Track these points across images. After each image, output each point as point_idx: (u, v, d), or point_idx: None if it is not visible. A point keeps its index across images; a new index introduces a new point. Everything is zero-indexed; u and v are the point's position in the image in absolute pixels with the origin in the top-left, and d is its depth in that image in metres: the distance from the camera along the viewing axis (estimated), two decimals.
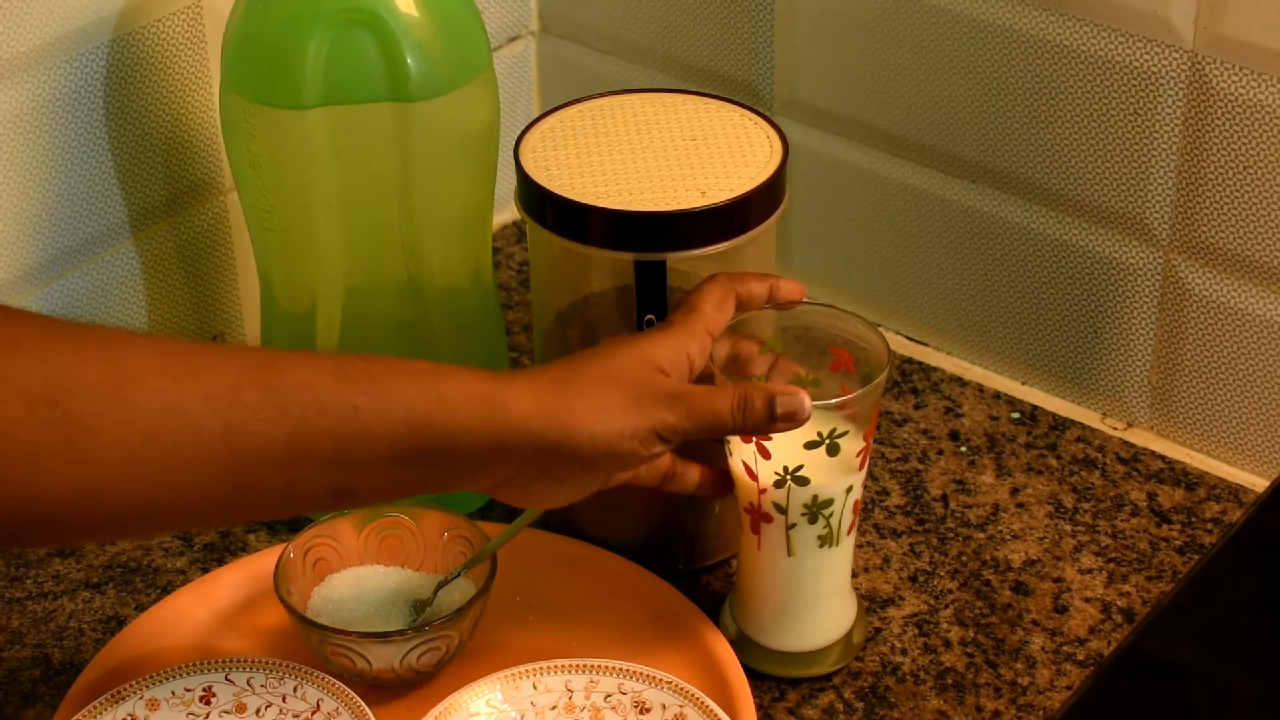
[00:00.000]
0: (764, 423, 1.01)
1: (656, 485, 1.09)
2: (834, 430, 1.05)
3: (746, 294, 1.08)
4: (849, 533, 1.09)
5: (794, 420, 1.01)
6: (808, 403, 1.01)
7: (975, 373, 1.36)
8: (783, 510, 1.07)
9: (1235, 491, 1.25)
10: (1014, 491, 1.25)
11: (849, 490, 1.07)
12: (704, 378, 1.06)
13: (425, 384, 0.96)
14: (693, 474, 1.10)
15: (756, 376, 1.09)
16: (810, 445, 1.05)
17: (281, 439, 0.92)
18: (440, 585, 1.12)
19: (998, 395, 1.33)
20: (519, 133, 1.17)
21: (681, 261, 1.11)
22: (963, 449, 1.29)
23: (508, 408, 0.97)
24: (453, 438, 0.96)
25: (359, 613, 1.11)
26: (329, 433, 0.93)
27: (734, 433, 1.03)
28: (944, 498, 1.25)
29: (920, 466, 1.27)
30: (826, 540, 1.08)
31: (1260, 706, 1.05)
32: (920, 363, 1.37)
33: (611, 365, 1.01)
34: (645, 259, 1.11)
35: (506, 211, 1.48)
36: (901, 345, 1.39)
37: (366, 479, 0.96)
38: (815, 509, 1.07)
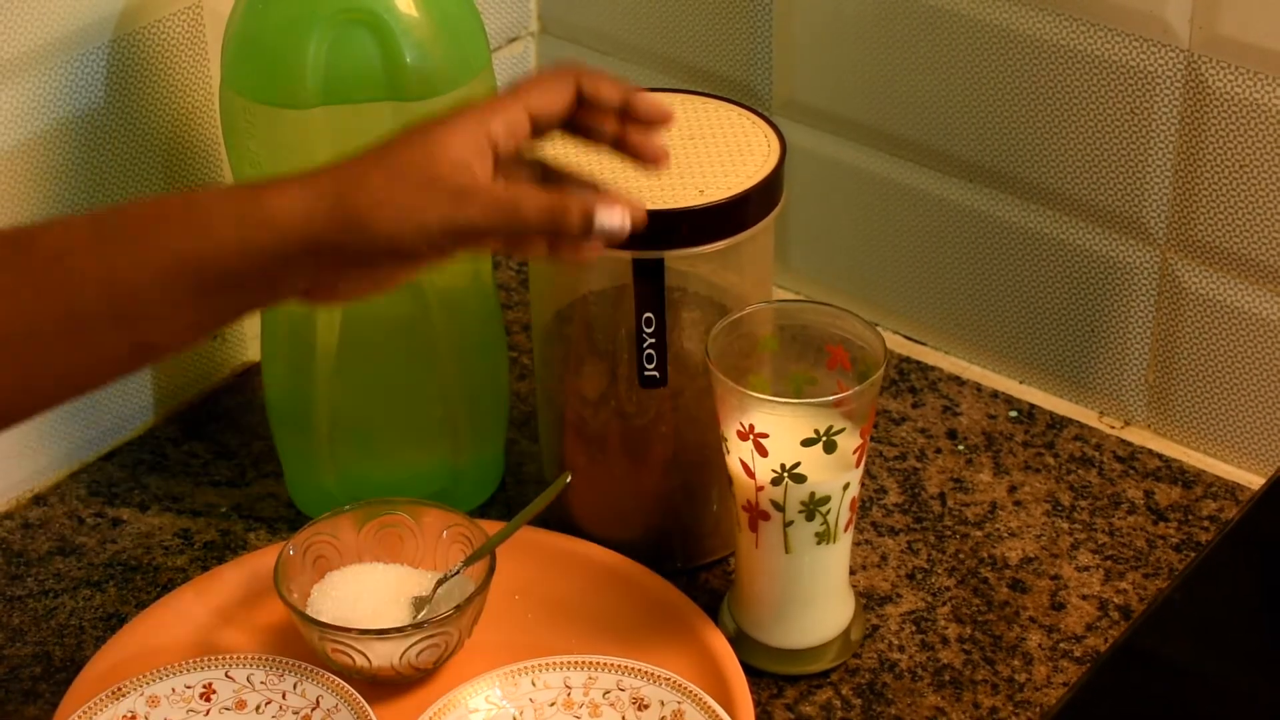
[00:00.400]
0: (578, 237, 0.94)
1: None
2: (831, 427, 1.05)
3: (593, 87, 0.98)
4: (846, 530, 1.10)
5: (615, 238, 0.94)
6: (629, 216, 0.94)
7: (973, 371, 1.36)
8: (780, 507, 1.07)
9: (1232, 489, 1.25)
10: (1011, 489, 1.26)
11: (846, 487, 1.08)
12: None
13: (184, 220, 0.91)
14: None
15: (754, 375, 1.09)
16: (807, 442, 1.05)
17: (49, 318, 0.88)
18: (439, 582, 1.12)
19: (995, 394, 1.34)
20: None
21: (679, 260, 1.12)
22: (960, 447, 1.29)
23: (274, 218, 0.91)
24: (226, 265, 0.90)
25: (359, 610, 1.11)
26: (97, 299, 0.89)
27: (541, 236, 0.95)
28: (942, 496, 1.25)
29: (918, 465, 1.28)
30: (824, 537, 1.09)
31: (1256, 703, 1.05)
32: (918, 362, 1.37)
33: (389, 159, 0.93)
34: (643, 257, 1.11)
35: None
36: (899, 344, 1.39)
37: (159, 329, 0.91)
38: (812, 506, 1.07)
